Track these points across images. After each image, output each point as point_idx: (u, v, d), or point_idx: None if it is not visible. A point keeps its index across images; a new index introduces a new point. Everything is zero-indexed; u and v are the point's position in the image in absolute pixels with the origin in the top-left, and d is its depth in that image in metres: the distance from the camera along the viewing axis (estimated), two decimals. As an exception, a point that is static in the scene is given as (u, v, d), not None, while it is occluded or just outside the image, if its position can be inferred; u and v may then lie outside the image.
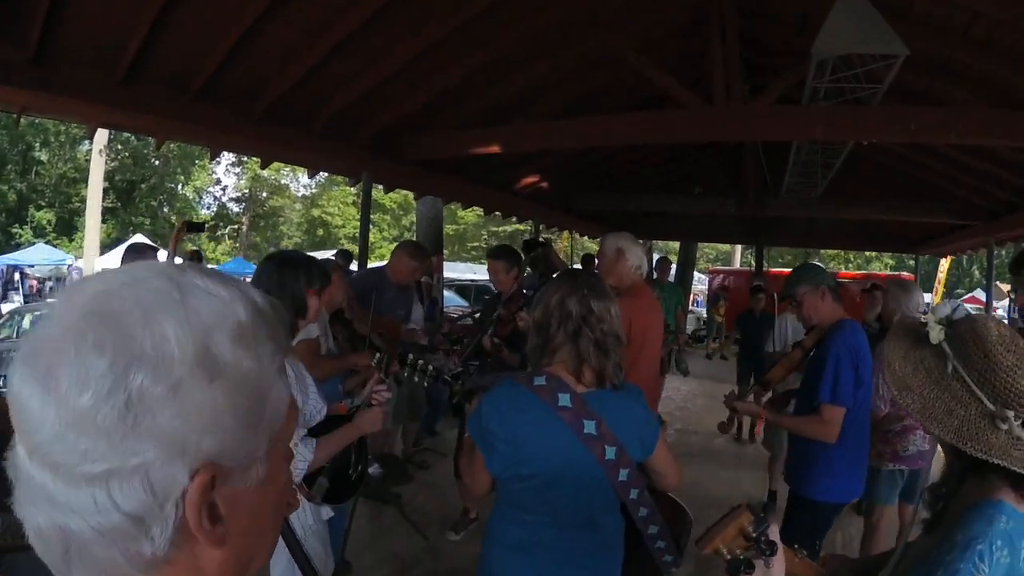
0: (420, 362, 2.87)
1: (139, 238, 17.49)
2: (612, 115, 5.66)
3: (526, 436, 1.85)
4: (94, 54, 4.01)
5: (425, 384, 2.91)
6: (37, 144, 29.06)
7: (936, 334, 1.31)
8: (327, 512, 2.61)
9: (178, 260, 6.07)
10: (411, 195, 8.66)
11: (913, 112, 4.77)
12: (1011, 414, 1.23)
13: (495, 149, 5.87)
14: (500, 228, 32.93)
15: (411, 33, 4.46)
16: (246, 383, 0.55)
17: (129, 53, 3.99)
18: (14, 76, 3.90)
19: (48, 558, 0.52)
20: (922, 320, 1.36)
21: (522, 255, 4.63)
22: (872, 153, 7.42)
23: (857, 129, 4.99)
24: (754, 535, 1.32)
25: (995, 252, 9.25)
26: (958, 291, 31.46)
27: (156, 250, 3.96)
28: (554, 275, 4.53)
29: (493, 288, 4.71)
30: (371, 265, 6.95)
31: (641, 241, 3.52)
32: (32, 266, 21.57)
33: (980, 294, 21.84)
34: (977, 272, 34.10)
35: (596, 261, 7.99)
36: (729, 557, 1.32)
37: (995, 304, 12.69)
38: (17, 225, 28.77)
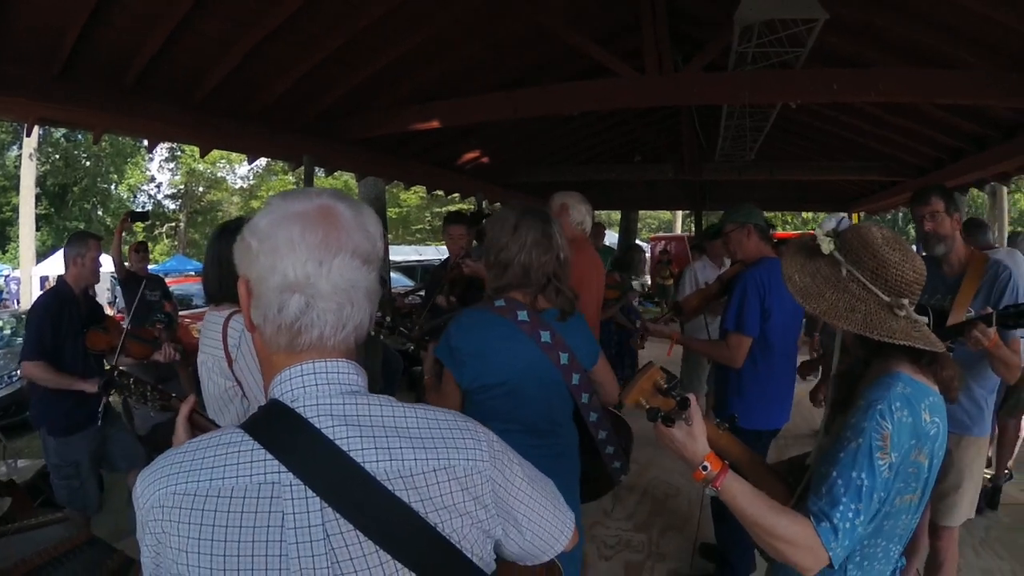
0: (387, 320, 2.97)
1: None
2: (548, 86, 5.78)
3: (492, 348, 2.08)
4: (30, 50, 3.96)
5: (382, 337, 3.03)
6: (-38, 156, 27.84)
7: (827, 245, 1.52)
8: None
9: (125, 250, 6.02)
10: (352, 180, 8.65)
11: (835, 73, 4.97)
12: (905, 302, 1.46)
13: (434, 124, 5.94)
14: (443, 209, 32.75)
15: (345, 16, 4.50)
16: None
17: (66, 47, 3.96)
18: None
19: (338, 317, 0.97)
20: (812, 236, 1.56)
21: None
22: (801, 115, 7.70)
23: (782, 91, 5.20)
24: (665, 386, 1.52)
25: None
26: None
27: (99, 239, 3.93)
28: None
29: (446, 256, 4.87)
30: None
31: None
32: (-34, 280, 20.78)
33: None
34: (912, 230, 35.32)
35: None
36: (648, 407, 1.51)
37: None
38: (-53, 241, 27.53)
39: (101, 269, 3.98)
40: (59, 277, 3.79)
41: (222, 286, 2.21)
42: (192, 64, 4.65)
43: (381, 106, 6.08)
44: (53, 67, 4.10)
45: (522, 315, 2.11)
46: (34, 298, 8.17)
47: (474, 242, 4.50)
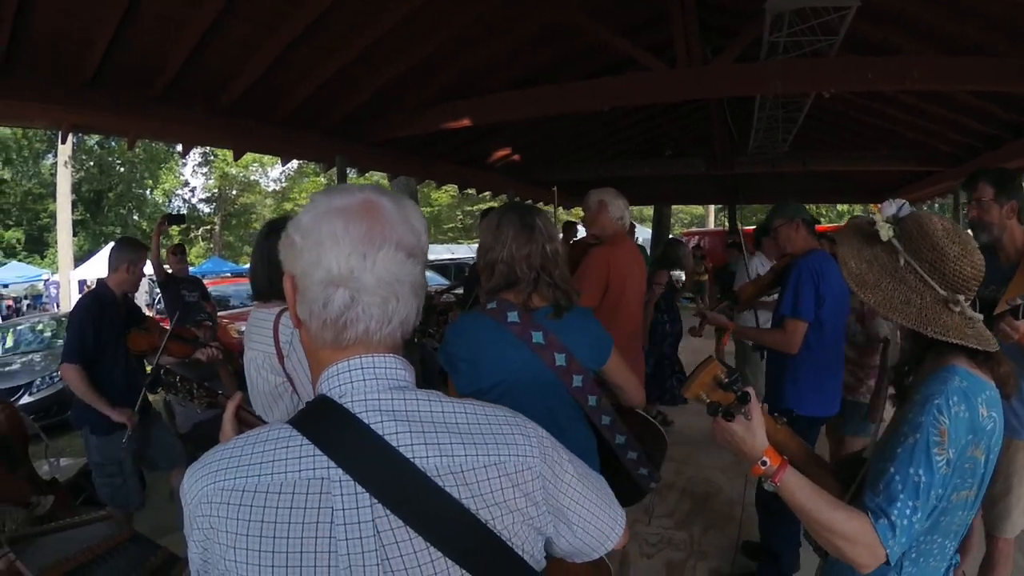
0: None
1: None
2: (578, 82, 5.75)
3: (482, 352, 2.01)
4: (60, 58, 4.04)
5: (424, 343, 2.97)
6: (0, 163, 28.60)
7: (885, 232, 1.46)
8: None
9: (163, 253, 6.11)
10: (385, 180, 8.72)
11: (868, 61, 4.87)
12: (961, 298, 1.41)
13: (464, 122, 5.96)
14: (474, 207, 32.93)
15: (370, 17, 4.52)
16: None
17: (95, 55, 4.03)
18: (-20, 85, 3.93)
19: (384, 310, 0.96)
20: (870, 220, 1.50)
21: None
22: (834, 105, 7.57)
23: (814, 80, 5.10)
24: (726, 380, 1.46)
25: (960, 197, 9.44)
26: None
27: (146, 249, 3.98)
28: None
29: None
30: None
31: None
32: (6, 285, 21.29)
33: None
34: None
35: (575, 228, 8.16)
36: (708, 401, 1.46)
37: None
38: (-15, 247, 28.28)
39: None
40: (99, 280, 3.82)
41: (271, 282, 2.22)
42: (220, 69, 4.70)
43: (407, 107, 6.10)
44: (84, 74, 4.18)
45: (512, 316, 2.02)
46: (73, 301, 8.27)
47: None
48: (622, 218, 3.57)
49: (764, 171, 10.22)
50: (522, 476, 0.97)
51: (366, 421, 0.91)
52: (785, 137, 8.07)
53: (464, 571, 0.91)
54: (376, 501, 0.89)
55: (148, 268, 5.51)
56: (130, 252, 3.81)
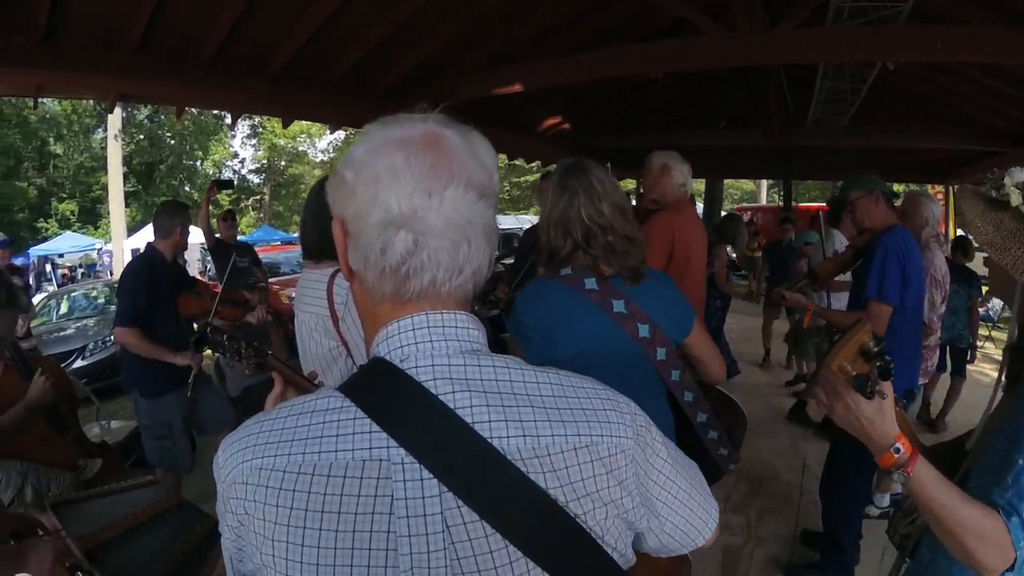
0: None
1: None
2: (632, 45, 5.52)
3: (558, 321, 1.84)
4: (104, 27, 4.00)
5: (475, 308, 2.80)
6: (51, 138, 29.44)
7: (1016, 197, 1.29)
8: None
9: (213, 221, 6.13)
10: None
11: (938, 31, 4.58)
12: None
13: (516, 88, 5.80)
14: (521, 179, 33.15)
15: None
16: None
17: (139, 23, 3.97)
18: (26, 57, 3.92)
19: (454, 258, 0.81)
20: (996, 184, 1.34)
21: None
22: (897, 79, 7.19)
23: (881, 49, 4.81)
24: (875, 350, 1.27)
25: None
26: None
27: (188, 207, 3.95)
28: None
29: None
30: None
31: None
32: (61, 255, 21.87)
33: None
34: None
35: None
36: (854, 373, 1.27)
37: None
38: (41, 219, 29.17)
39: (189, 239, 4.02)
40: (149, 244, 3.80)
41: (323, 239, 2.09)
42: (266, 35, 4.62)
43: (457, 72, 5.97)
44: (129, 43, 4.12)
45: (590, 283, 1.85)
46: (126, 269, 8.41)
47: None
48: (684, 184, 3.35)
49: (821, 145, 9.84)
50: (615, 460, 0.83)
51: (434, 391, 0.77)
52: (846, 109, 7.71)
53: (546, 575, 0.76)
54: (446, 489, 0.75)
55: (199, 235, 5.49)
56: (178, 215, 3.78)
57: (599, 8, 5.81)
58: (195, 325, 3.98)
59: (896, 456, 1.23)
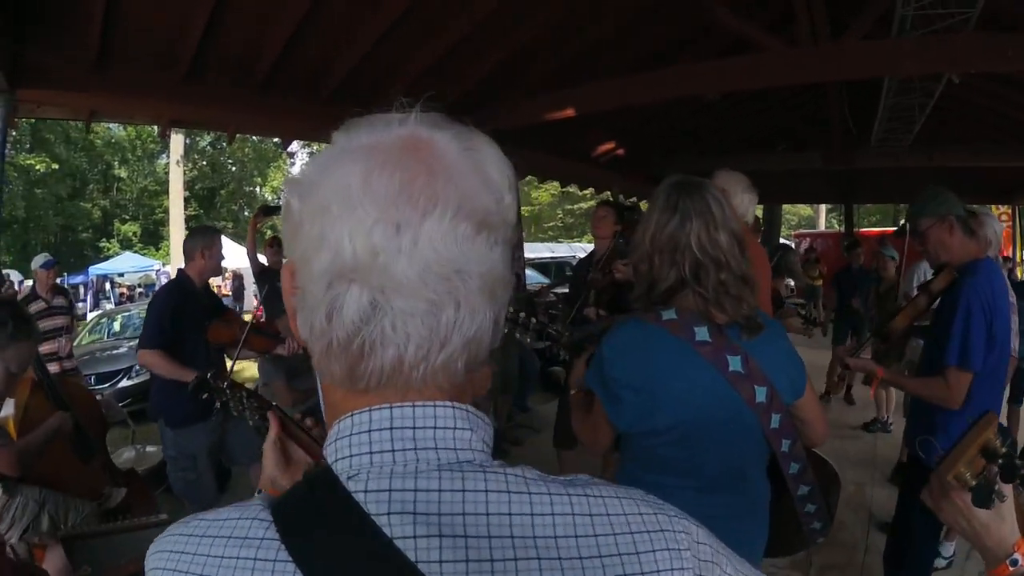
0: (521, 315, 2.53)
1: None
2: (689, 64, 5.33)
3: (660, 380, 1.53)
4: (156, 51, 4.04)
5: (528, 340, 2.55)
6: (116, 162, 30.79)
7: None
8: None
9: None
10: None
11: (1008, 37, 4.27)
12: None
13: (569, 112, 5.64)
14: (575, 206, 33.02)
15: (471, 1, 4.31)
16: None
17: (190, 47, 3.99)
18: (79, 81, 3.95)
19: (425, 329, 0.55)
20: None
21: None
22: (961, 92, 6.82)
23: (950, 59, 4.52)
24: (1003, 451, 1.02)
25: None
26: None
27: (219, 232, 3.87)
28: None
29: (595, 238, 4.29)
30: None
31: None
32: (121, 274, 22.61)
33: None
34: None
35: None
36: (973, 482, 1.02)
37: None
38: (104, 240, 30.33)
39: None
40: (180, 270, 3.74)
41: None
42: (317, 58, 4.62)
43: (510, 95, 5.87)
44: (180, 68, 4.13)
45: (701, 333, 1.53)
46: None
47: (620, 240, 4.02)
48: (745, 214, 2.95)
49: (883, 166, 9.41)
50: None
51: (387, 533, 0.53)
52: (911, 127, 7.33)
53: None
54: None
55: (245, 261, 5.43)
56: (204, 238, 3.68)
57: (654, 28, 5.66)
58: (226, 356, 3.86)
59: (1012, 569, 0.99)
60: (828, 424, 1.80)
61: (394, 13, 4.16)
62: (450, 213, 0.54)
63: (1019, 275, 12.92)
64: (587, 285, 3.92)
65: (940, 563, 3.60)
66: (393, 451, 0.56)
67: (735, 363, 1.52)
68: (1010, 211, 14.19)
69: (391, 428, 0.56)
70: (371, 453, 0.56)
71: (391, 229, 0.53)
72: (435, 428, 0.57)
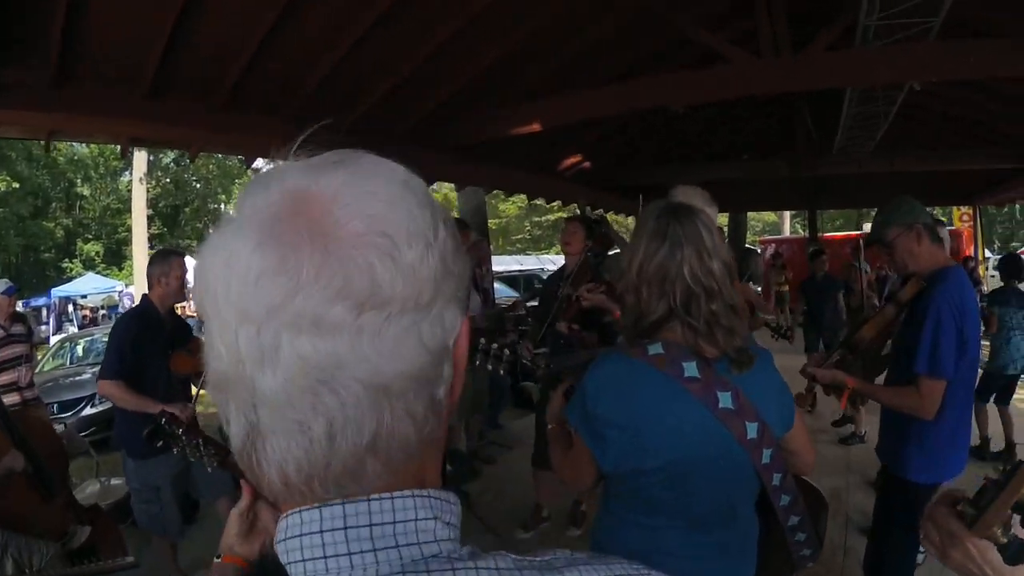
0: (494, 347, 2.48)
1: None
2: (656, 76, 5.36)
3: (646, 419, 1.46)
4: (117, 69, 3.91)
5: (501, 371, 2.48)
6: (79, 180, 30.14)
7: None
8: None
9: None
10: (452, 191, 8.56)
11: (972, 45, 4.41)
12: None
13: (535, 126, 5.62)
14: (543, 218, 33.23)
15: (439, 18, 4.27)
16: None
17: (151, 65, 3.87)
18: (38, 99, 3.82)
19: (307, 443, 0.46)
20: None
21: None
22: (922, 99, 6.97)
23: (913, 68, 4.59)
24: None
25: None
26: (1013, 244, 30.17)
27: (183, 255, 3.75)
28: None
29: (565, 254, 4.23)
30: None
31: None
32: (84, 296, 22.10)
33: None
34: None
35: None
36: (1005, 540, 0.94)
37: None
38: (67, 259, 29.66)
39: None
40: (144, 295, 3.63)
41: None
42: (282, 77, 4.52)
43: (480, 110, 5.84)
44: (142, 87, 4.02)
45: (690, 368, 1.46)
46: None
47: (589, 254, 3.96)
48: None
49: (847, 172, 9.61)
50: None
51: None
52: (874, 134, 7.47)
53: None
54: None
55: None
56: (160, 264, 3.55)
57: (623, 43, 5.68)
58: (192, 386, 3.73)
59: None
60: (815, 453, 1.77)
61: (359, 32, 4.09)
62: (332, 295, 0.44)
63: (980, 274, 13.25)
64: (559, 302, 3.88)
65: (920, 558, 3.60)
66: (350, 554, 0.47)
67: (725, 399, 1.46)
68: (971, 211, 14.56)
69: (344, 528, 0.47)
70: (325, 558, 0.47)
71: (251, 331, 0.44)
72: (394, 523, 0.48)
